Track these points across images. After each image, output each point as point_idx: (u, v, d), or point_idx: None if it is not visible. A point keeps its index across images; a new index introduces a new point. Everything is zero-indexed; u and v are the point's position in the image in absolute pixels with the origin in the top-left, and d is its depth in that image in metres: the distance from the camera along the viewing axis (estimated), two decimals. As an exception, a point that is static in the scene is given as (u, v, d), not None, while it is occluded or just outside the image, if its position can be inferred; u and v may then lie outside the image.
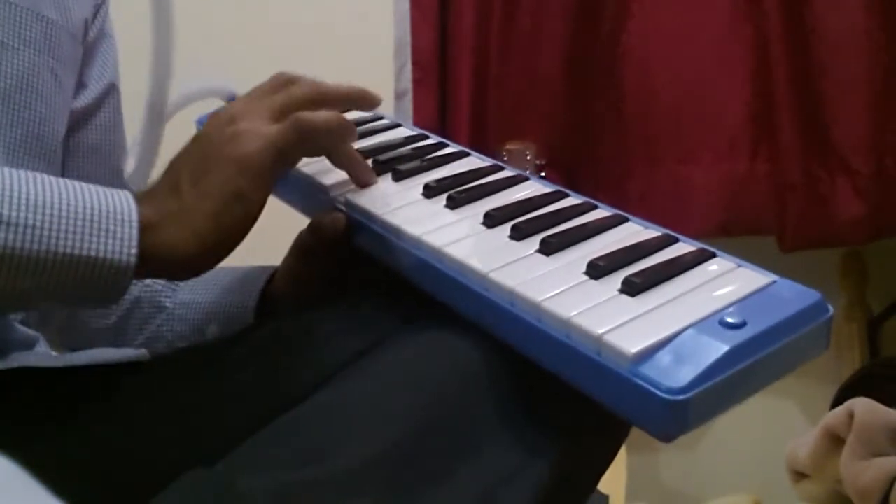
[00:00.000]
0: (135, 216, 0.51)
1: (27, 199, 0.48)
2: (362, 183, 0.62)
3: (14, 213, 0.48)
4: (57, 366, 0.62)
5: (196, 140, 0.57)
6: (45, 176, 0.50)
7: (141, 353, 0.65)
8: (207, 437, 0.51)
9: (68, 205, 0.49)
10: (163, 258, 0.52)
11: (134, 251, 0.50)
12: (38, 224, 0.48)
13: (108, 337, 0.77)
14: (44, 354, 0.69)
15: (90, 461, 0.53)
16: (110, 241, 0.50)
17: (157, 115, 0.62)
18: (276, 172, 0.56)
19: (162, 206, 0.53)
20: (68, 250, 0.49)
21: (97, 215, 0.50)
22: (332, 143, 0.60)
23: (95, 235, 0.49)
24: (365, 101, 0.64)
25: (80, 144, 0.76)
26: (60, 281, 0.49)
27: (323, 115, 0.57)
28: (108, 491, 0.52)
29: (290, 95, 0.58)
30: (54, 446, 0.54)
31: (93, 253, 0.49)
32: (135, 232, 0.50)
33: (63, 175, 0.73)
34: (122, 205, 0.51)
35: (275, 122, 0.56)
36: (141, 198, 0.53)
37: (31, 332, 0.69)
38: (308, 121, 0.56)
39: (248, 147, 0.54)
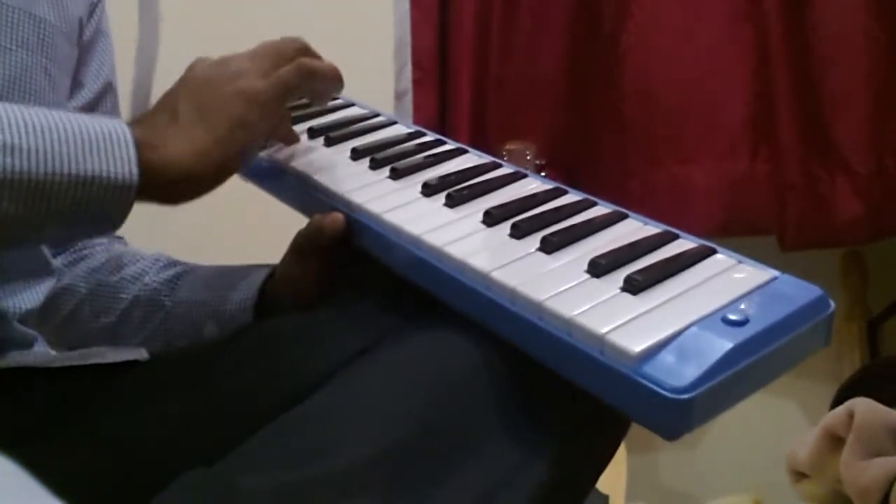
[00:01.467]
0: (129, 136, 0.52)
1: (28, 126, 0.50)
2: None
3: (17, 140, 0.49)
4: (56, 365, 0.62)
5: (185, 81, 0.58)
6: (38, 107, 0.52)
7: (140, 352, 0.65)
8: (207, 437, 0.51)
9: (66, 130, 0.51)
10: (164, 174, 0.54)
11: (135, 168, 0.52)
12: (42, 147, 0.50)
13: (107, 336, 0.77)
14: (42, 354, 0.68)
15: (90, 461, 0.53)
16: (110, 159, 0.51)
17: (143, 111, 0.62)
18: (281, 107, 0.59)
19: (160, 129, 0.55)
20: (73, 170, 0.50)
21: (94, 138, 0.51)
22: (326, 90, 0.64)
23: (96, 155, 0.51)
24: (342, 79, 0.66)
25: None
26: (67, 202, 0.51)
27: (326, 64, 0.61)
28: (108, 491, 0.52)
29: (283, 49, 0.61)
30: (54, 446, 0.54)
31: (96, 172, 0.51)
32: (132, 150, 0.52)
33: None
34: (114, 128, 0.53)
35: (276, 68, 0.59)
36: (139, 120, 0.55)
37: (29, 331, 0.69)
38: (312, 65, 0.60)
39: (255, 83, 0.57)
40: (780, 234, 1.50)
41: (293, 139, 0.69)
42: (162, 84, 0.60)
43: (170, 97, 0.57)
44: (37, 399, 0.59)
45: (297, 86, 0.59)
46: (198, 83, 0.57)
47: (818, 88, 1.45)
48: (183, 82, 0.58)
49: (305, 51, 0.62)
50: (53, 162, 0.50)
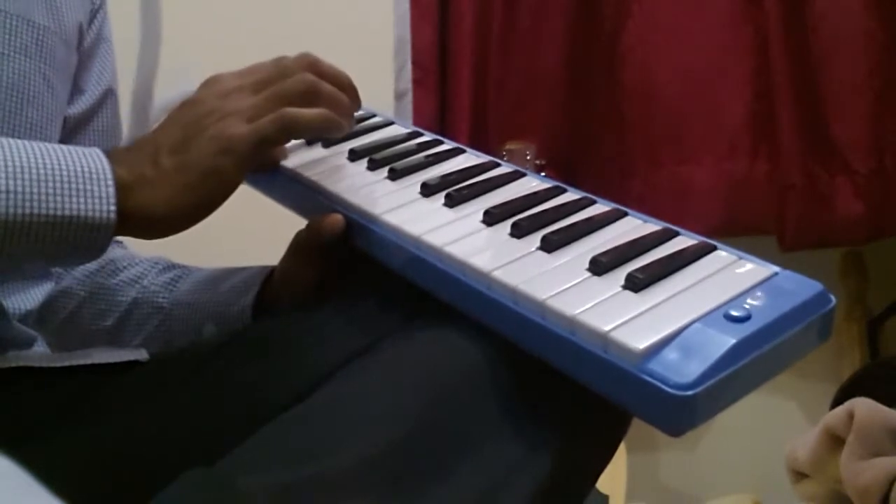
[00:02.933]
0: (109, 175, 0.53)
1: (7, 166, 0.50)
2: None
3: None
4: (55, 365, 0.62)
5: (186, 107, 0.58)
6: (18, 141, 0.52)
7: (139, 352, 0.65)
8: (207, 437, 0.51)
9: (45, 168, 0.51)
10: (138, 218, 0.54)
11: (113, 208, 0.52)
12: (21, 189, 0.50)
13: (105, 338, 0.77)
14: (42, 354, 0.68)
15: (90, 461, 0.53)
16: (89, 200, 0.52)
17: (143, 115, 0.62)
18: (258, 157, 0.57)
19: (138, 170, 0.54)
20: (49, 211, 0.50)
21: (74, 176, 0.51)
22: (318, 136, 0.63)
23: (74, 196, 0.51)
24: (337, 124, 0.63)
25: None
26: (44, 241, 0.51)
27: (310, 114, 0.58)
28: (107, 491, 0.52)
29: (284, 89, 0.59)
30: (54, 446, 0.54)
31: (73, 212, 0.51)
32: (111, 190, 0.52)
33: None
34: (96, 165, 0.53)
35: (264, 113, 0.57)
36: (117, 158, 0.54)
37: (29, 331, 0.69)
38: (294, 118, 0.57)
39: (234, 130, 0.56)
40: (780, 233, 1.50)
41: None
42: (162, 89, 0.60)
43: (157, 134, 0.57)
44: (37, 399, 0.59)
45: (275, 139, 0.58)
46: (187, 119, 0.57)
47: (818, 88, 1.45)
48: (182, 109, 0.58)
49: (308, 91, 0.59)
50: (31, 203, 0.50)
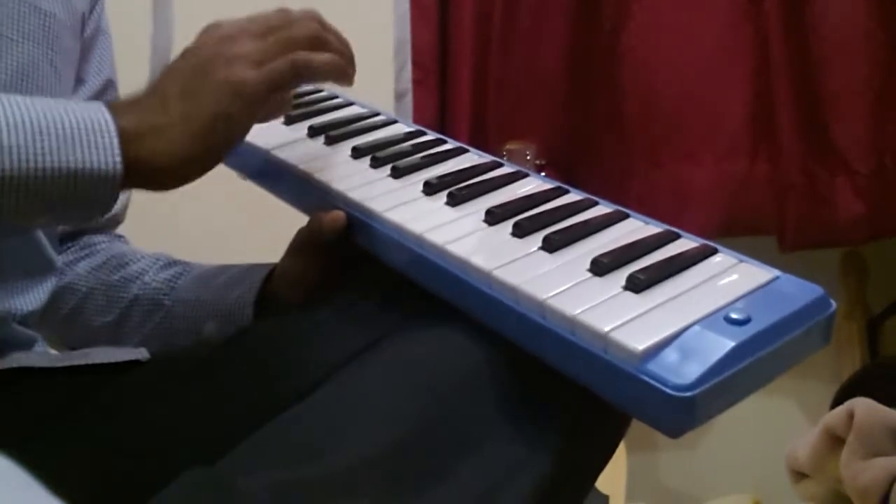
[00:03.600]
0: (112, 126, 0.52)
1: (9, 122, 0.49)
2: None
3: None
4: (56, 365, 0.62)
5: (188, 54, 0.57)
6: (18, 97, 0.51)
7: (140, 352, 0.65)
8: (207, 437, 0.51)
9: (48, 123, 0.50)
10: (146, 167, 0.53)
11: (118, 159, 0.51)
12: (24, 144, 0.49)
13: (107, 334, 0.77)
14: (42, 354, 0.68)
15: (90, 461, 0.53)
16: (93, 151, 0.51)
17: None
18: (267, 102, 0.57)
19: (146, 118, 0.54)
20: (56, 165, 0.50)
21: (77, 129, 0.51)
22: (326, 80, 0.61)
23: (79, 148, 0.51)
24: (346, 70, 0.63)
25: None
26: (51, 195, 0.50)
27: (322, 58, 0.59)
28: (108, 490, 0.52)
29: (291, 33, 0.59)
30: (54, 446, 0.54)
31: (79, 165, 0.50)
32: (115, 140, 0.51)
33: None
34: (98, 117, 0.52)
35: (273, 57, 0.57)
36: (124, 107, 0.54)
37: (29, 331, 0.69)
38: (306, 61, 0.57)
39: (244, 74, 0.55)
40: (780, 234, 1.50)
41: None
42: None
43: (165, 77, 0.56)
44: (37, 399, 0.59)
45: (287, 82, 0.57)
46: (192, 64, 0.56)
47: (818, 88, 1.45)
48: (183, 57, 0.57)
49: (315, 37, 0.59)
50: (35, 157, 0.49)
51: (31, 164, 0.49)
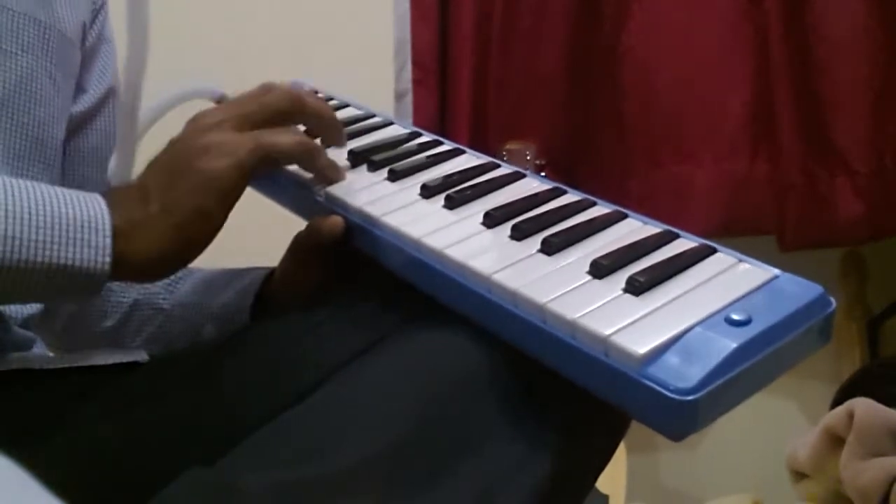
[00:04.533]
0: (108, 225, 0.52)
1: (9, 211, 0.49)
2: (331, 182, 0.62)
3: None
4: (55, 367, 0.62)
5: (170, 146, 0.57)
6: (20, 183, 0.51)
7: (139, 353, 0.65)
8: (207, 437, 0.51)
9: (44, 215, 0.50)
10: (129, 264, 0.53)
11: (108, 259, 0.51)
12: (17, 235, 0.49)
13: (107, 340, 0.77)
14: (41, 355, 0.68)
15: (90, 461, 0.53)
16: (85, 249, 0.51)
17: (131, 116, 0.61)
18: (242, 188, 0.56)
19: (131, 214, 0.54)
20: (45, 259, 0.50)
21: (73, 225, 0.51)
22: (298, 163, 0.61)
23: (71, 245, 0.50)
24: (333, 132, 0.64)
25: (79, 149, 0.76)
26: (38, 286, 0.50)
27: (286, 139, 0.58)
28: (108, 491, 0.52)
29: (261, 104, 0.59)
30: (54, 446, 0.54)
31: (69, 262, 0.50)
32: (108, 241, 0.51)
33: (62, 179, 0.73)
34: (96, 214, 0.52)
35: (243, 132, 0.56)
36: (113, 201, 0.54)
37: (28, 333, 0.69)
38: (270, 143, 0.57)
39: (213, 164, 0.55)
40: (780, 234, 1.50)
41: (336, 177, 0.63)
42: (150, 91, 0.60)
43: (149, 170, 0.57)
44: (37, 399, 0.59)
45: (255, 167, 0.56)
46: (171, 157, 0.56)
47: (818, 88, 1.45)
48: (167, 149, 0.57)
49: (283, 112, 0.59)
50: (28, 250, 0.49)
51: (24, 256, 0.49)
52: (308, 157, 0.60)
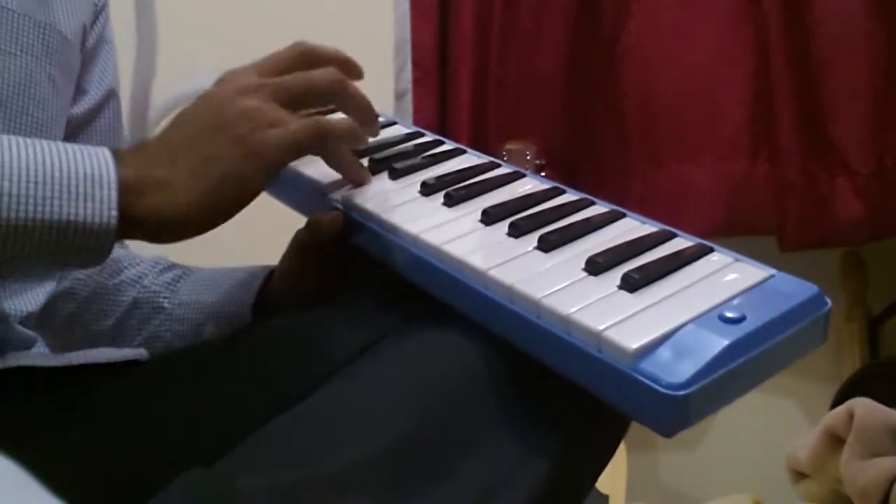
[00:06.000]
0: (113, 178, 0.50)
1: (6, 168, 0.48)
2: (358, 183, 0.62)
3: None
4: (55, 365, 0.62)
5: (203, 103, 0.55)
6: (20, 139, 0.50)
7: (139, 352, 0.65)
8: (207, 437, 0.51)
9: (45, 171, 0.49)
10: (145, 222, 0.51)
11: (114, 213, 0.50)
12: (16, 192, 0.48)
13: (106, 339, 0.77)
14: (41, 354, 0.68)
15: (90, 461, 0.53)
16: (89, 204, 0.49)
17: (140, 114, 0.61)
18: (284, 166, 0.56)
19: (150, 171, 0.52)
20: (48, 216, 0.49)
21: (75, 179, 0.49)
22: (343, 147, 0.60)
23: (74, 200, 0.49)
24: (369, 121, 0.63)
25: None
26: (44, 244, 0.49)
27: (346, 125, 0.58)
28: (107, 491, 0.52)
29: (308, 82, 0.57)
30: (54, 446, 0.54)
31: (73, 217, 0.49)
32: (114, 194, 0.50)
33: None
34: (100, 166, 0.50)
35: (291, 111, 0.55)
36: (129, 156, 0.52)
37: (29, 332, 0.69)
38: (331, 130, 0.56)
39: (263, 136, 0.53)
40: (780, 234, 1.50)
41: (363, 178, 0.62)
42: (160, 86, 0.60)
43: (177, 125, 0.54)
44: (37, 399, 0.59)
45: (306, 150, 0.55)
46: (207, 116, 0.54)
47: (818, 88, 1.45)
48: (198, 105, 0.55)
49: (337, 86, 0.57)
50: (27, 207, 0.48)
51: (23, 213, 0.48)
52: (355, 144, 0.60)
